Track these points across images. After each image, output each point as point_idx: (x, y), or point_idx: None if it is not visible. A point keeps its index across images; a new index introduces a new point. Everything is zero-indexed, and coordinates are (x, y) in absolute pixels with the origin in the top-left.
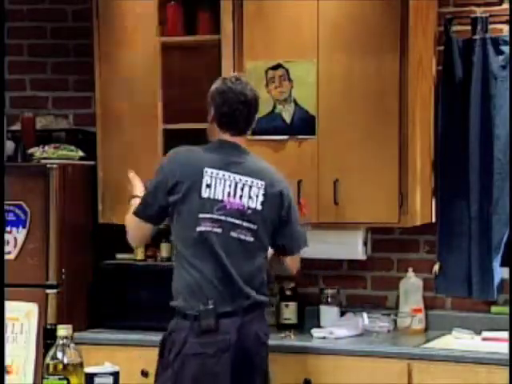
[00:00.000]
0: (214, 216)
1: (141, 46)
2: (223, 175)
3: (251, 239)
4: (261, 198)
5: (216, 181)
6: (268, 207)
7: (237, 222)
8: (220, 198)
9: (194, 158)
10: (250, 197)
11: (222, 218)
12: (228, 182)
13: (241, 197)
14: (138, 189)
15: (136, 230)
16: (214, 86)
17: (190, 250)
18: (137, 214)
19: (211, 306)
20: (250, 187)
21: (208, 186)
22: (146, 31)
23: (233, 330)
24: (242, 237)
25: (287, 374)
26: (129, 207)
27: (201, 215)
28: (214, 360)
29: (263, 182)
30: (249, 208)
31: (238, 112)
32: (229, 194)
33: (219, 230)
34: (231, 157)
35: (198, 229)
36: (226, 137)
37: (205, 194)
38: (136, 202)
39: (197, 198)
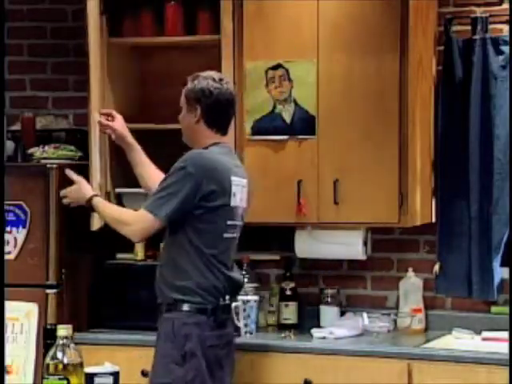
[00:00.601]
0: (234, 222)
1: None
2: (239, 182)
3: (239, 235)
4: (246, 197)
5: (237, 188)
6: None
7: (238, 223)
8: (238, 204)
9: (221, 165)
10: (245, 198)
11: (237, 223)
12: (240, 188)
13: (242, 199)
14: (89, 187)
15: (149, 228)
16: (197, 85)
17: (211, 253)
18: (160, 217)
19: (228, 302)
20: (244, 187)
21: (234, 194)
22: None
23: (232, 323)
24: (237, 235)
25: (287, 373)
26: (98, 206)
27: (229, 222)
28: (223, 352)
29: (247, 181)
30: (244, 208)
31: (227, 111)
32: (240, 199)
33: (234, 235)
34: (235, 160)
35: (225, 235)
36: (218, 137)
37: (233, 202)
38: (100, 201)
39: (228, 207)
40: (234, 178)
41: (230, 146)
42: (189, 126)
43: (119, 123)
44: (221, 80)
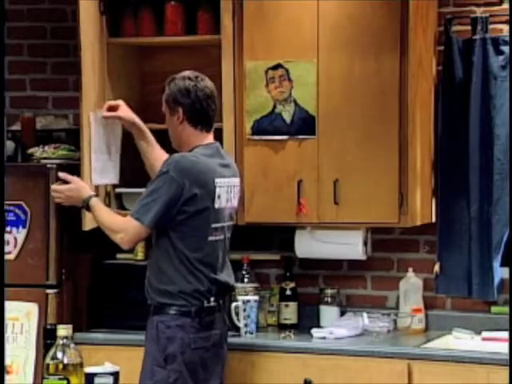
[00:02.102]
0: (220, 224)
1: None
2: (224, 182)
3: (230, 235)
4: (237, 195)
5: (221, 190)
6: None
7: (227, 224)
8: (223, 205)
9: (204, 167)
10: (234, 197)
11: (224, 224)
12: (226, 189)
13: (231, 199)
14: (87, 187)
15: (136, 235)
16: (173, 88)
17: (197, 256)
18: (146, 223)
19: (213, 304)
20: (234, 187)
21: (218, 196)
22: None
23: (220, 324)
24: (228, 235)
25: (287, 374)
26: (94, 209)
27: (213, 225)
28: (209, 354)
29: (239, 179)
30: (233, 207)
31: (209, 107)
32: (227, 200)
33: (222, 237)
34: (222, 160)
35: (210, 238)
36: (204, 135)
37: (216, 204)
38: (97, 203)
39: (211, 210)
40: (218, 180)
41: (217, 146)
42: (174, 129)
43: (124, 110)
44: (196, 77)
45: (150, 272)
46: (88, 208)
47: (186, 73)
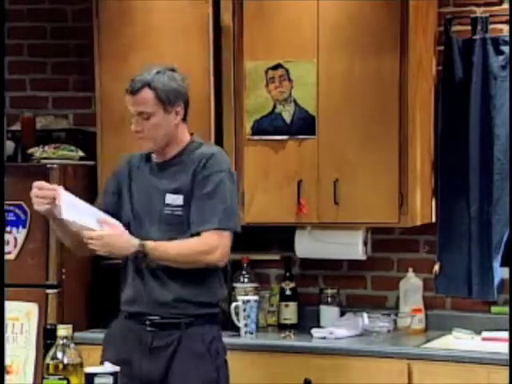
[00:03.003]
0: None
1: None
2: None
3: None
4: None
5: None
6: None
7: None
8: None
9: None
10: None
11: None
12: None
13: None
14: (128, 234)
15: (229, 247)
16: (168, 81)
17: None
18: (233, 228)
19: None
20: None
21: None
22: None
23: None
24: None
25: (287, 374)
26: (159, 252)
27: None
28: None
29: None
30: None
31: None
32: None
33: None
34: None
35: None
36: (186, 128)
37: None
38: (154, 244)
39: None
40: None
41: None
42: (169, 127)
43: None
44: (174, 69)
45: (181, 286)
46: (144, 255)
47: (163, 66)
